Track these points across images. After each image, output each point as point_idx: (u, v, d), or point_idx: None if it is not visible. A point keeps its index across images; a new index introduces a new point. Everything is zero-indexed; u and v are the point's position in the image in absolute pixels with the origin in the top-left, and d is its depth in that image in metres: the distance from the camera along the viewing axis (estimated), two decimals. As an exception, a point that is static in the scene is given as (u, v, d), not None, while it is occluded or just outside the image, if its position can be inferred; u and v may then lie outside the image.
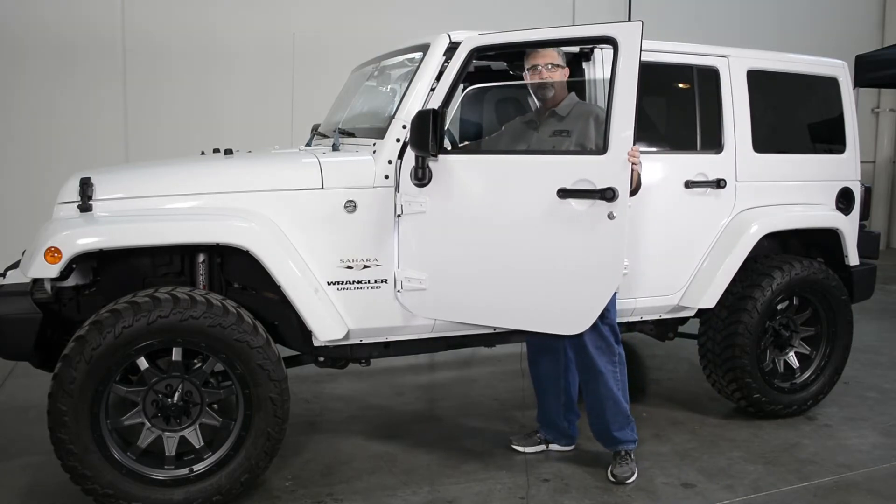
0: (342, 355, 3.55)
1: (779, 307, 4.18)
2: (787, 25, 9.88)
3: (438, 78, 3.35)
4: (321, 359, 3.56)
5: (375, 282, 3.34)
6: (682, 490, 3.38)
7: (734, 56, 4.08)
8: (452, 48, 3.35)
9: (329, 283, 3.28)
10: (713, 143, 4.02)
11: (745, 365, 4.04)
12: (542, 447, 3.75)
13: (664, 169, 3.89)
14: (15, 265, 3.45)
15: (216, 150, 3.93)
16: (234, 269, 3.39)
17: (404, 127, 3.29)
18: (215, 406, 3.16)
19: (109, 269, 3.29)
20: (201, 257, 3.32)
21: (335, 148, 3.54)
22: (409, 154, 3.23)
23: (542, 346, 3.64)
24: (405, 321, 3.42)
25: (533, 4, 8.59)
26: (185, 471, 3.06)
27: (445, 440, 3.91)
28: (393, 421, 4.22)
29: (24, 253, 3.27)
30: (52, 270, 2.86)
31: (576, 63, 3.67)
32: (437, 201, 3.24)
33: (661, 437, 3.96)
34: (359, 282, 3.32)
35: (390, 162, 3.31)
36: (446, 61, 3.36)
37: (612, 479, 3.43)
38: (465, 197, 3.24)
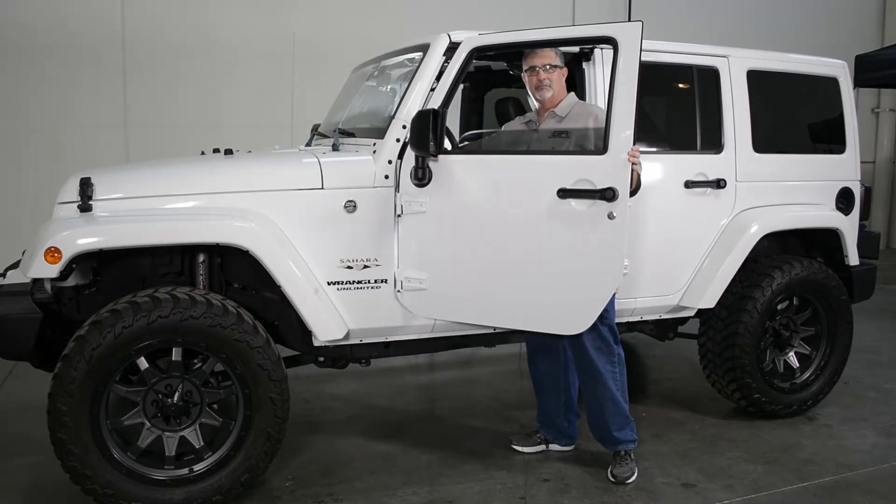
0: (342, 355, 3.55)
1: (779, 307, 4.18)
2: (788, 25, 9.88)
3: (438, 78, 3.35)
4: (321, 359, 3.56)
5: (375, 282, 3.34)
6: (682, 490, 3.38)
7: (734, 56, 4.08)
8: (452, 48, 3.36)
9: (329, 283, 3.28)
10: (713, 143, 4.02)
11: (745, 365, 4.04)
12: (542, 447, 3.75)
13: (664, 169, 3.89)
14: (15, 265, 3.45)
15: (216, 150, 3.93)
16: (234, 269, 3.39)
17: (404, 127, 3.30)
18: (215, 406, 3.16)
19: (109, 269, 3.29)
20: (201, 257, 3.32)
21: (335, 148, 3.54)
22: (409, 154, 3.23)
23: (541, 346, 3.64)
24: (405, 321, 3.42)
25: (533, 4, 8.59)
26: (185, 471, 3.06)
27: (445, 440, 3.91)
28: (393, 421, 4.22)
29: (24, 253, 3.27)
30: (52, 270, 2.86)
31: (576, 63, 3.68)
32: (437, 201, 3.24)
33: (661, 437, 3.96)
34: (359, 282, 3.32)
35: (390, 162, 3.31)
36: (446, 61, 3.36)
37: (612, 479, 3.43)
38: (465, 197, 3.24)
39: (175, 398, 3.04)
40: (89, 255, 2.98)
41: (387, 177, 3.30)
